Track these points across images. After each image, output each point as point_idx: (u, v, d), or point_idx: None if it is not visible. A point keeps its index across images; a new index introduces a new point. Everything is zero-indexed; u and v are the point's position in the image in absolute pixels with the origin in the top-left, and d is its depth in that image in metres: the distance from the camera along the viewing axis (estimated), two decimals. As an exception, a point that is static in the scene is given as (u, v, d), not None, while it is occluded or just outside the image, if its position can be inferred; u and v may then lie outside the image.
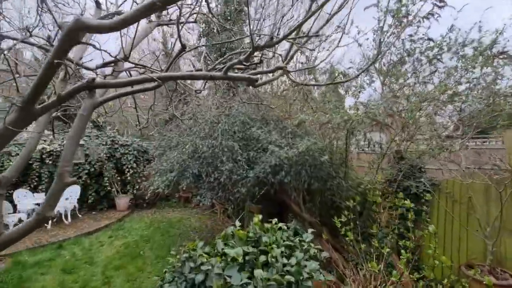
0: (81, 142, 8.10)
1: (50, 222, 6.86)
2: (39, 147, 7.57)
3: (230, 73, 1.38)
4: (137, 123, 3.17)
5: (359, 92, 4.07)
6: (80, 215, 7.83)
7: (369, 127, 3.72)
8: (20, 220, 6.44)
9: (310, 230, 1.97)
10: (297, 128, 4.52)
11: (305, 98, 4.47)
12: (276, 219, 2.22)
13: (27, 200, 6.90)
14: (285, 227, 2.03)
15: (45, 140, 7.84)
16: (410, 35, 4.92)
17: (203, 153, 4.21)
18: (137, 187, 8.91)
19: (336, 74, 4.93)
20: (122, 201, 8.50)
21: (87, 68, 1.57)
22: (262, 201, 6.85)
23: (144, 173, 8.85)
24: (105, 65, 1.77)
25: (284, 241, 1.74)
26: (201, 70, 1.74)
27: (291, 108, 5.01)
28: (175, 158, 4.51)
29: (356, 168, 5.12)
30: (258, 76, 1.44)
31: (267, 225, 1.97)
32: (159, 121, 12.94)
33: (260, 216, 2.19)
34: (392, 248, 3.21)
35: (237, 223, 2.09)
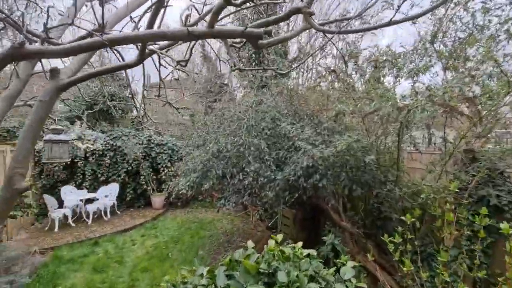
0: (119, 141, 8.39)
1: (91, 218, 7.16)
2: (83, 146, 8.01)
3: (220, 26, 0.89)
4: (146, 116, 2.86)
5: (418, 73, 3.21)
6: (118, 212, 8.10)
7: (430, 119, 2.90)
8: (64, 216, 6.82)
9: (351, 263, 1.38)
10: (334, 122, 3.85)
11: (345, 88, 3.77)
12: (300, 243, 1.66)
13: (72, 196, 7.30)
14: (315, 254, 1.47)
15: (88, 140, 8.28)
16: (483, 2, 3.88)
17: (227, 152, 3.80)
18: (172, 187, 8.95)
19: (381, 60, 4.10)
20: (158, 199, 8.61)
21: (49, 42, 1.21)
22: (295, 205, 6.25)
23: (178, 172, 8.86)
24: (80, 39, 1.41)
25: (311, 279, 1.20)
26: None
27: (328, 100, 4.33)
28: (199, 157, 4.19)
29: (408, 170, 4.25)
30: (263, 29, 0.93)
31: (287, 250, 1.43)
32: (196, 119, 13.04)
33: (280, 237, 1.65)
34: (462, 275, 2.41)
35: (250, 244, 1.59)
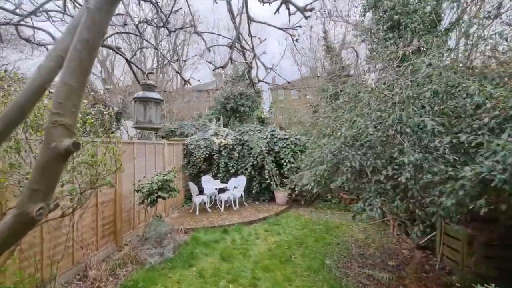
0: (246, 136, 8.75)
1: (223, 206, 7.77)
2: (217, 141, 8.90)
3: None
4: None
5: None
6: (246, 204, 8.45)
7: None
8: (203, 201, 7.69)
9: None
10: None
11: None
12: None
13: (209, 185, 8.19)
14: None
15: (222, 135, 9.15)
16: None
17: (368, 138, 2.75)
18: (294, 182, 8.55)
19: None
20: (281, 195, 8.40)
21: None
22: (469, 221, 4.31)
23: (300, 166, 8.39)
24: None
25: None
26: None
27: None
28: (327, 146, 3.34)
29: None
30: None
31: None
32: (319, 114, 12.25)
33: None
34: None
35: None
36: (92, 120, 2.38)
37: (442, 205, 2.21)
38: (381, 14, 10.22)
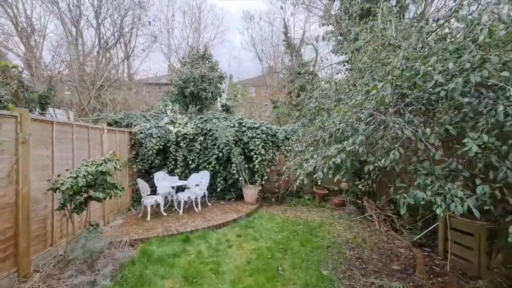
0: (209, 124, 7.41)
1: (182, 208, 6.31)
2: (174, 130, 7.38)
3: None
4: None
5: None
6: (209, 204, 7.11)
7: None
8: (156, 203, 6.13)
9: None
10: None
11: None
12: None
13: (164, 183, 6.64)
14: None
15: (180, 124, 7.64)
16: None
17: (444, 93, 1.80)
18: (266, 177, 7.52)
19: None
20: (250, 192, 7.27)
21: None
22: (489, 213, 3.75)
23: (272, 160, 7.42)
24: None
25: None
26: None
27: None
28: (349, 113, 2.31)
29: None
30: None
31: None
32: (280, 110, 11.44)
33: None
34: None
35: None
36: None
37: None
38: (350, 3, 9.76)
